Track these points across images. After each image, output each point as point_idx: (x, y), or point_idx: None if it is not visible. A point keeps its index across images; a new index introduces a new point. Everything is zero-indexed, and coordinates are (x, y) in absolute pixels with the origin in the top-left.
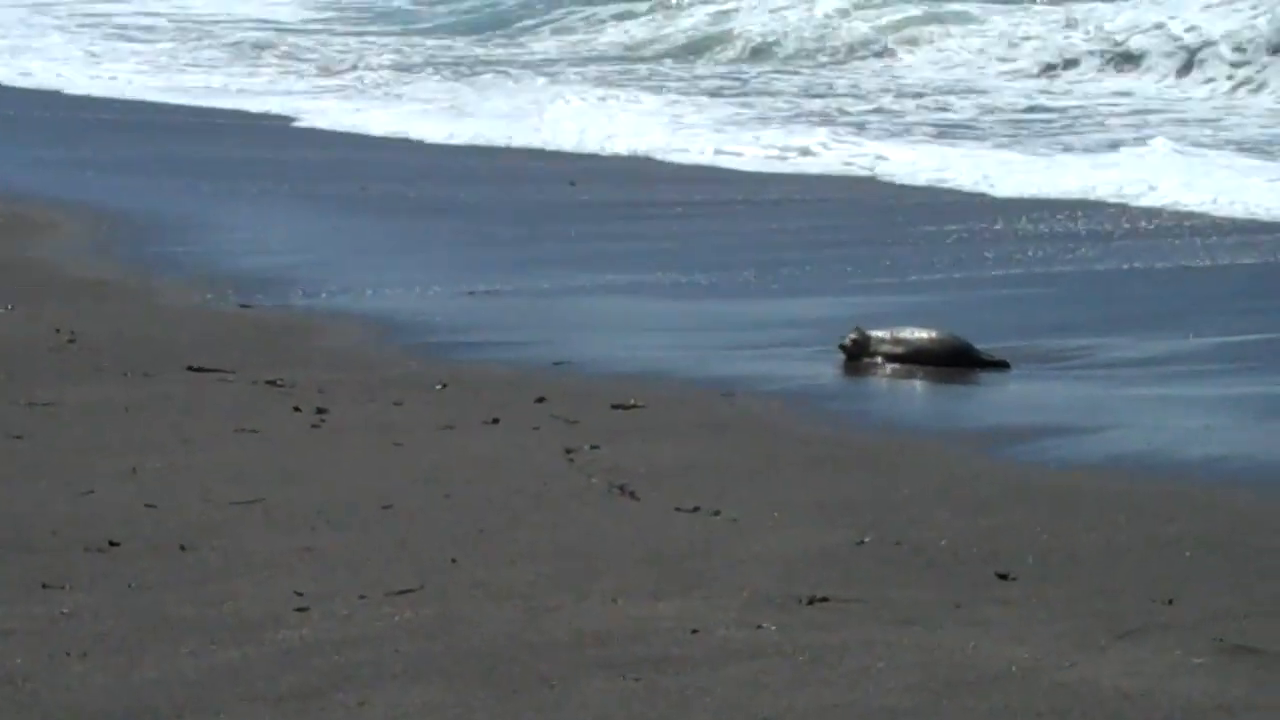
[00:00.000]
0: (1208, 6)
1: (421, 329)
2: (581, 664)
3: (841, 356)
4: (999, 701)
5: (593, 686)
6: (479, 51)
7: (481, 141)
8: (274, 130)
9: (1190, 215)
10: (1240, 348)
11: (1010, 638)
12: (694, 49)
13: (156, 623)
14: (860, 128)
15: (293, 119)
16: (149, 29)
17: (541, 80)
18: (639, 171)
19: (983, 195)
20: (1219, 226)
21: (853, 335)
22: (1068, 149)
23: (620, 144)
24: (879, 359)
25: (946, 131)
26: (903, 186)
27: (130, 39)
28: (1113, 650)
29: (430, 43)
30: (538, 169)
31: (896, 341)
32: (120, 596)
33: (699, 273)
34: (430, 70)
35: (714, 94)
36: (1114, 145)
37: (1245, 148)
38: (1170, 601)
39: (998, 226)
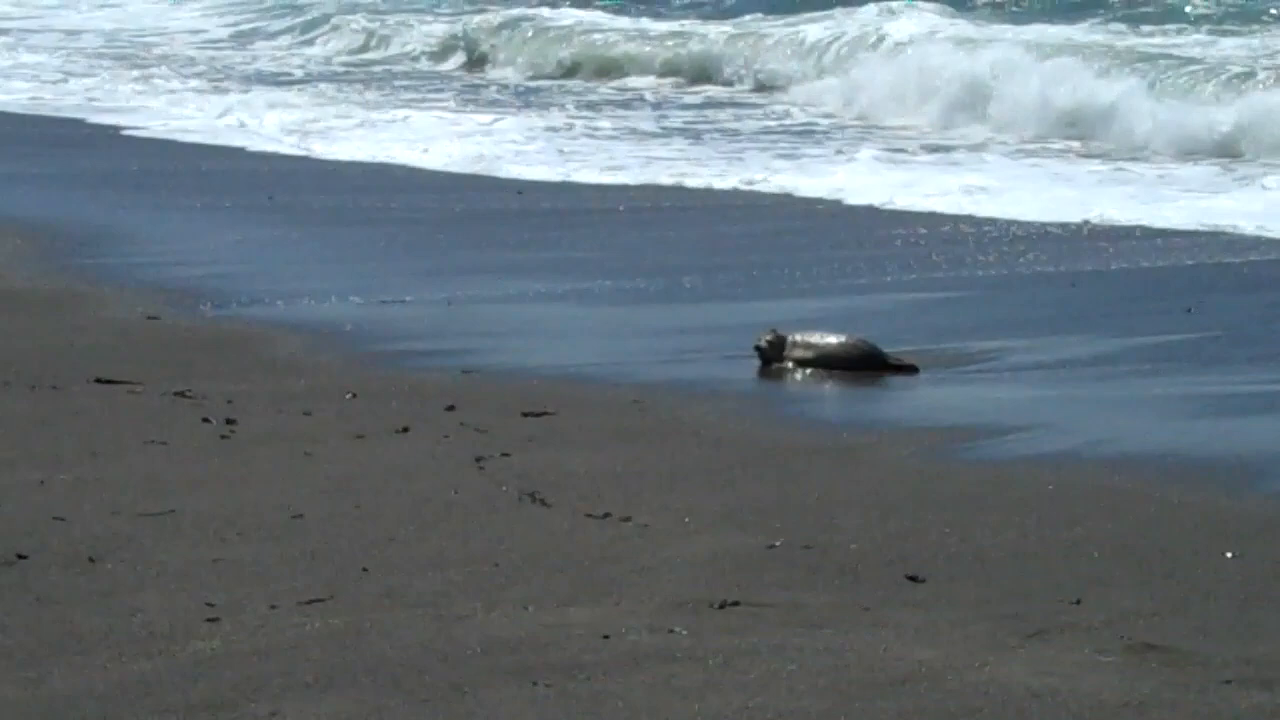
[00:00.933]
0: None
1: (330, 339)
2: (493, 671)
3: (754, 361)
4: (909, 703)
5: (505, 694)
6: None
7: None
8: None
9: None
10: (1146, 349)
11: (920, 639)
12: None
13: (65, 635)
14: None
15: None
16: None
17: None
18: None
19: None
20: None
21: (768, 336)
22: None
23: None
24: (789, 364)
25: None
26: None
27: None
28: (1022, 650)
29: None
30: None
31: (807, 346)
32: (28, 609)
33: (607, 280)
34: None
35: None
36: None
37: None
38: (1078, 601)
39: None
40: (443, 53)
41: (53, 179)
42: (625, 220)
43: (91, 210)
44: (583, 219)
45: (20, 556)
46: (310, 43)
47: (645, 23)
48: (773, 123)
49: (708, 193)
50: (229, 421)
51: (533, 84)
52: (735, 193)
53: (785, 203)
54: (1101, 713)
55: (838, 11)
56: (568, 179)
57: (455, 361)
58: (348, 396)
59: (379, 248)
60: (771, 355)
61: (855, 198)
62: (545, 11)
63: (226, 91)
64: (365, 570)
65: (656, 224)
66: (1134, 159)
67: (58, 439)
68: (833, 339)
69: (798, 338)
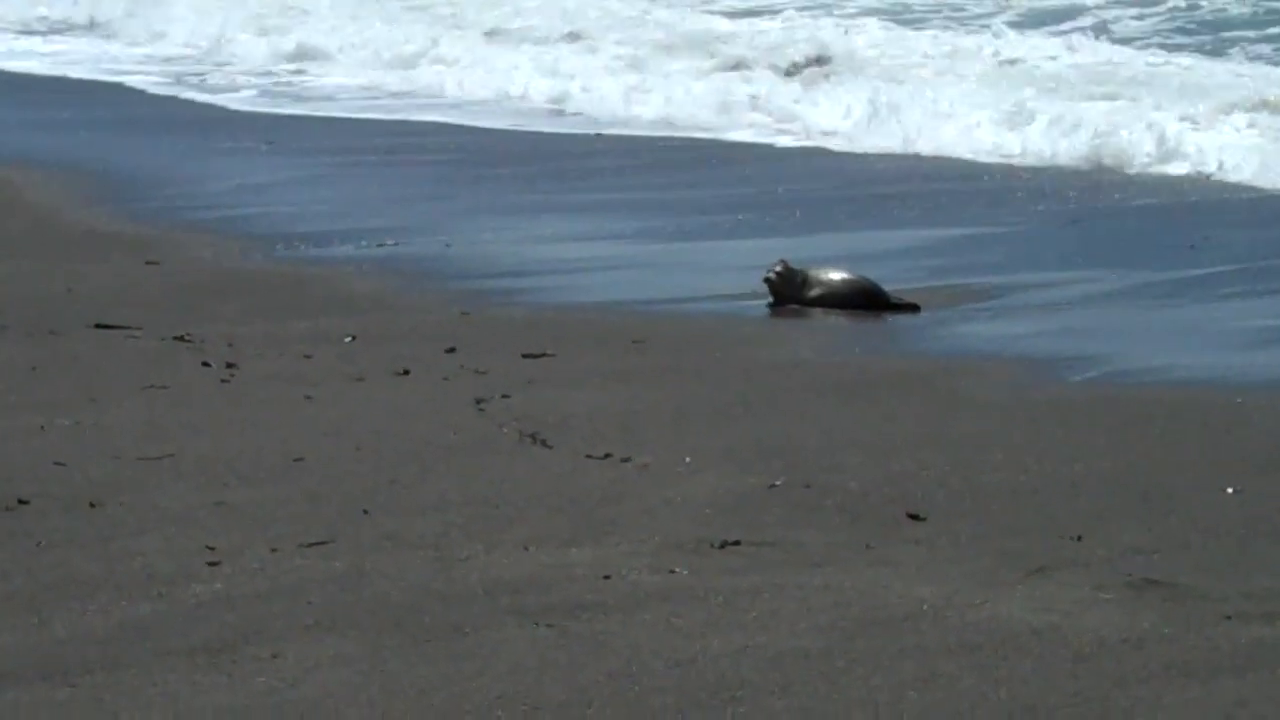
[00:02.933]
0: None
1: (329, 282)
2: (494, 612)
3: (756, 302)
4: (911, 640)
5: (506, 634)
6: None
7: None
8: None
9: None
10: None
11: (921, 577)
12: None
13: (66, 580)
14: None
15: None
16: None
17: None
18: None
19: None
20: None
21: (777, 268)
22: None
23: None
24: (794, 304)
25: None
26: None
27: None
28: (1023, 587)
29: None
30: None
31: (813, 282)
32: (29, 554)
33: (614, 220)
34: None
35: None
36: None
37: None
38: (1079, 538)
39: None
40: None
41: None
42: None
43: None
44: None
45: (21, 502)
46: None
47: None
48: None
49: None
50: (229, 365)
51: None
52: None
53: None
54: (1102, 649)
55: None
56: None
57: (456, 303)
58: (347, 339)
59: (381, 189)
60: (779, 288)
61: None
62: None
63: None
64: (366, 512)
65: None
66: None
67: (57, 385)
68: (836, 275)
69: (806, 273)
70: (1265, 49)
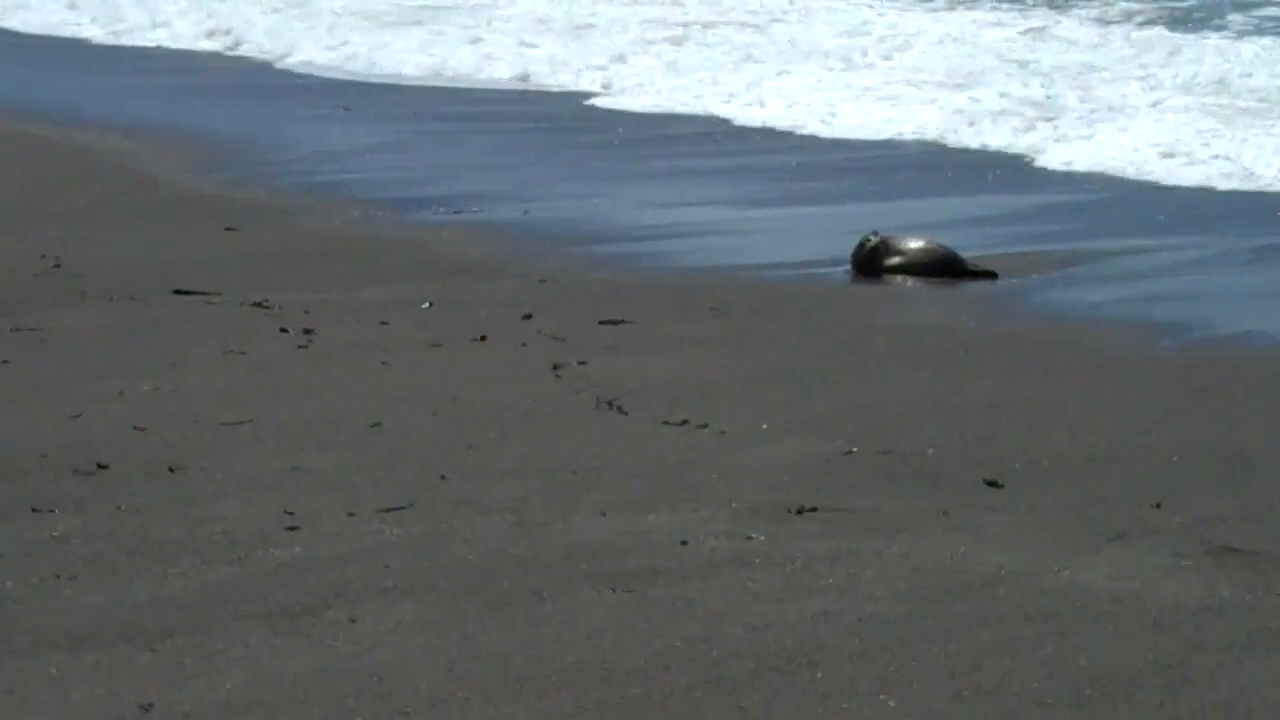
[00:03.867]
0: None
1: (406, 248)
2: (572, 577)
3: (837, 265)
4: (987, 607)
5: (583, 599)
6: None
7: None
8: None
9: None
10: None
11: (999, 544)
12: None
13: (146, 544)
14: None
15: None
16: None
17: None
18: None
19: None
20: None
21: (873, 237)
22: None
23: None
24: (873, 273)
25: None
26: None
27: None
28: (1102, 554)
29: None
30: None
31: (894, 250)
32: (110, 519)
33: (693, 187)
34: None
35: None
36: None
37: None
38: (1158, 505)
39: None
40: None
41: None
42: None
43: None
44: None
45: (101, 466)
46: None
47: None
48: None
49: None
50: (307, 331)
51: None
52: None
53: None
54: (1181, 616)
55: None
56: None
57: (533, 270)
58: (425, 305)
59: (459, 155)
60: (861, 258)
61: None
62: None
63: None
64: (443, 478)
65: None
66: None
67: (136, 350)
68: (914, 244)
69: (886, 241)
70: None
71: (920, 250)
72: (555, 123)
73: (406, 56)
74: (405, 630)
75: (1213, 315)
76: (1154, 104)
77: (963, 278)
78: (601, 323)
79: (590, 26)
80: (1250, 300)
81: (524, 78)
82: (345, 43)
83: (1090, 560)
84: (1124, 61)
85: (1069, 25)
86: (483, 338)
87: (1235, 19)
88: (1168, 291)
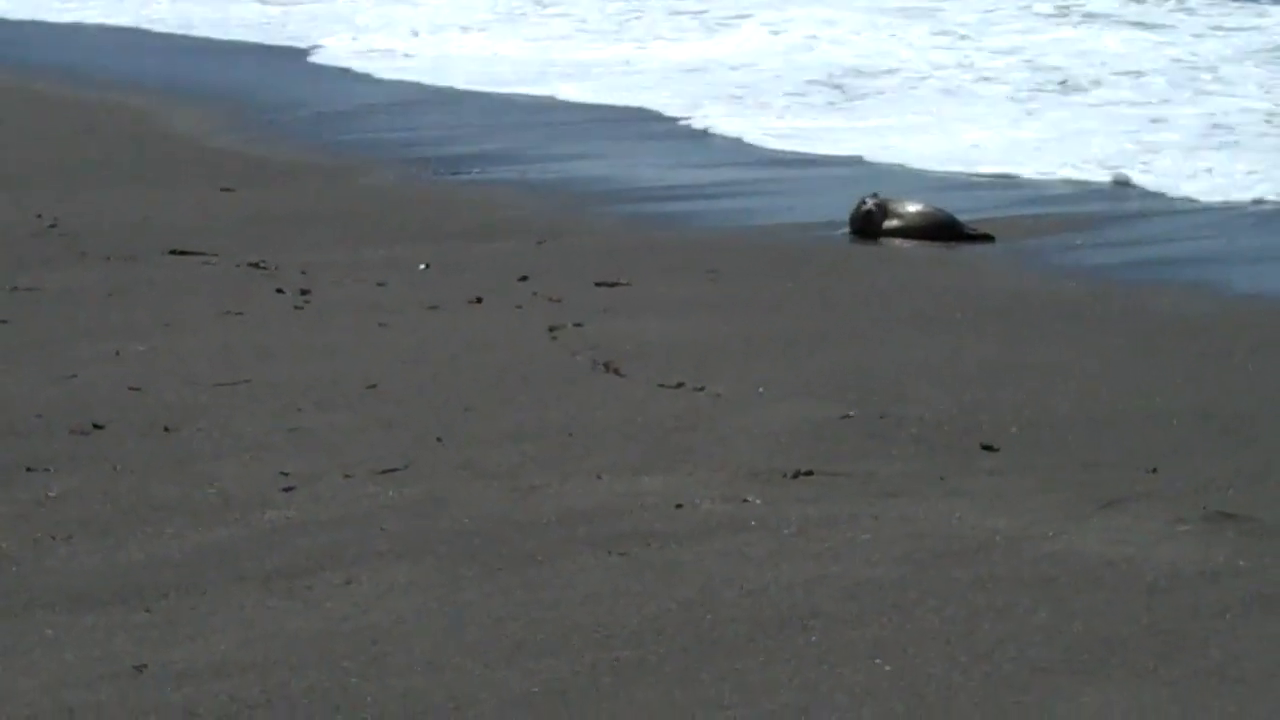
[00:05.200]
0: None
1: (403, 208)
2: (568, 540)
3: (831, 232)
4: (984, 571)
5: (579, 562)
6: None
7: None
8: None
9: None
10: None
11: (995, 508)
12: None
13: (142, 504)
14: None
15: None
16: None
17: None
18: None
19: None
20: None
21: (872, 199)
22: None
23: None
24: (871, 236)
25: None
26: None
27: None
28: (1097, 519)
29: None
30: None
31: (887, 214)
32: (105, 479)
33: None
34: None
35: None
36: None
37: None
38: (1154, 470)
39: None
40: None
41: None
42: None
43: None
44: None
45: (97, 426)
46: None
47: None
48: None
49: None
50: (303, 292)
51: None
52: None
53: None
54: (1177, 581)
55: None
56: None
57: (530, 230)
58: (421, 267)
59: (455, 118)
60: (860, 220)
61: None
62: None
63: None
64: (440, 440)
65: None
66: None
67: (132, 310)
68: (912, 207)
69: (887, 205)
70: None
71: (918, 213)
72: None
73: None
74: (400, 593)
75: (1212, 278)
76: None
77: (960, 241)
78: (598, 285)
79: None
80: (1251, 263)
81: None
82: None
83: (1086, 525)
84: None
85: None
86: (479, 300)
87: None
88: (1167, 255)
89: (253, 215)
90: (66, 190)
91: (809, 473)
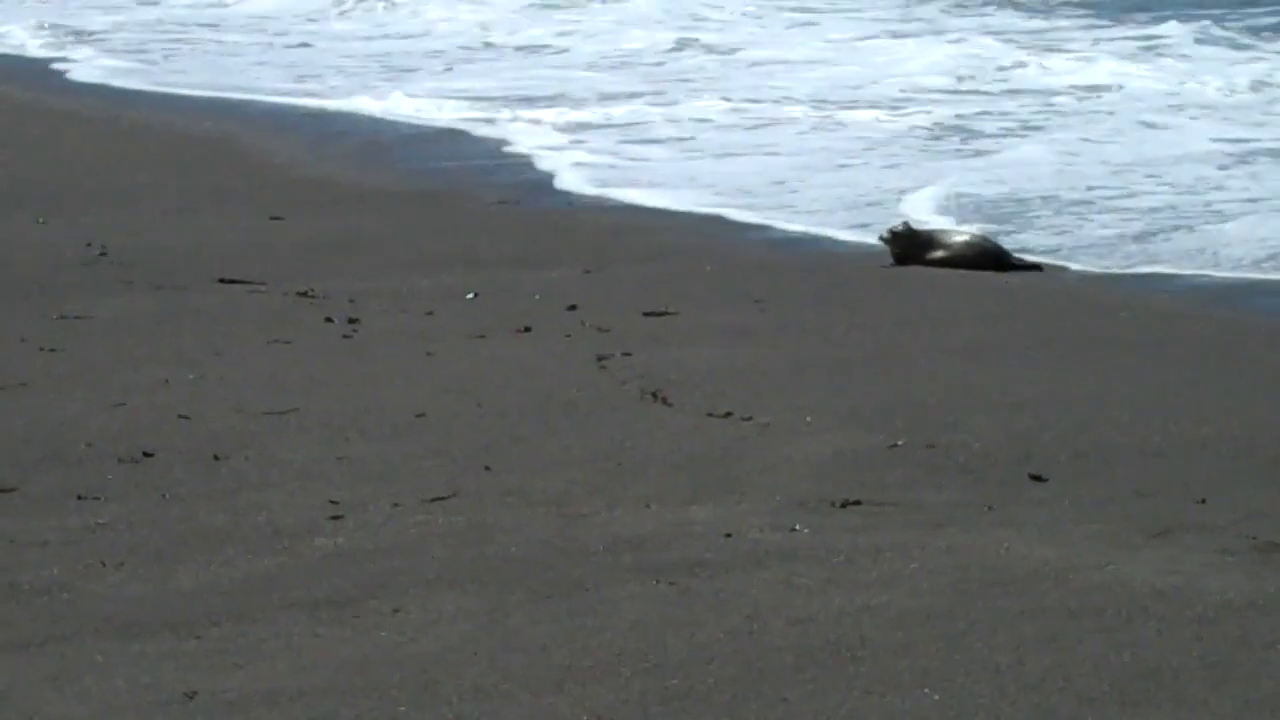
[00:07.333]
0: None
1: (450, 239)
2: (615, 569)
3: (877, 259)
4: (1032, 602)
5: (627, 591)
6: None
7: None
8: None
9: None
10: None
11: (1043, 538)
12: None
13: (191, 533)
14: None
15: None
16: None
17: None
18: None
19: None
20: None
21: (897, 227)
22: None
23: None
24: (916, 259)
25: None
26: None
27: None
28: (1146, 549)
29: None
30: None
31: (935, 243)
32: (155, 507)
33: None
34: None
35: None
36: None
37: None
38: (1203, 501)
39: None
40: None
41: None
42: None
43: None
44: None
45: (146, 454)
46: None
47: None
48: None
49: None
50: (351, 321)
51: None
52: None
53: None
54: (1226, 612)
55: None
56: None
57: (578, 262)
58: (469, 296)
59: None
60: (903, 249)
61: None
62: None
63: None
64: (488, 468)
65: None
66: None
67: (181, 339)
68: (959, 237)
69: (930, 234)
70: None
71: (964, 244)
72: None
73: None
74: (448, 621)
75: (1264, 306)
76: None
77: (1008, 271)
78: (645, 314)
79: None
80: None
81: None
82: None
83: (1135, 555)
84: None
85: None
86: (527, 329)
87: None
88: (1219, 284)
89: (301, 243)
90: (116, 217)
91: (857, 502)
